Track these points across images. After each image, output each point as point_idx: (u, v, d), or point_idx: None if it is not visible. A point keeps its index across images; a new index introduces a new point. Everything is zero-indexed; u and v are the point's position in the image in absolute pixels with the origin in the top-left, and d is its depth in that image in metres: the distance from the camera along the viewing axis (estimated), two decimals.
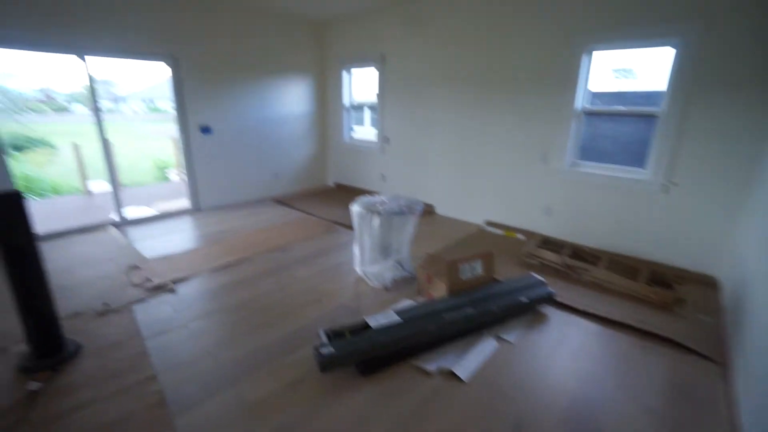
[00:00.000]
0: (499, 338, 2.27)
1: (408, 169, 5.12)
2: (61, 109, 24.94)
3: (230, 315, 2.52)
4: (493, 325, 2.37)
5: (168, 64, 4.33)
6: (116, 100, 27.75)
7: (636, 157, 3.45)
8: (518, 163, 3.99)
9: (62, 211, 5.22)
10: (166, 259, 3.35)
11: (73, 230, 4.07)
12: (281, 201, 5.44)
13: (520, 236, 4.02)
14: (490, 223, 4.35)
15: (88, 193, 6.34)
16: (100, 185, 6.51)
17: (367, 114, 6.94)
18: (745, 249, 2.46)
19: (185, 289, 2.84)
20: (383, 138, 5.30)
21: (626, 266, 3.10)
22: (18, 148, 12.34)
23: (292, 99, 5.63)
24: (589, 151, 3.77)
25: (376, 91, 5.21)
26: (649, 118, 3.21)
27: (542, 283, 2.67)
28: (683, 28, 2.82)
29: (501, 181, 4.17)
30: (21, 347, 2.04)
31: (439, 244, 3.75)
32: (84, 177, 6.38)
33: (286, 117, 5.61)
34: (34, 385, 1.78)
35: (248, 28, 4.88)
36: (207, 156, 4.85)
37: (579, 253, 3.36)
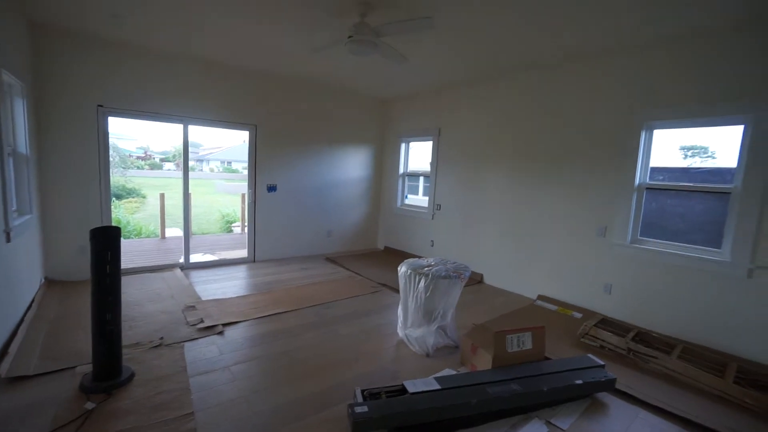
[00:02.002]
0: (549, 423, 2.03)
1: (457, 237, 5.12)
2: (154, 166, 29.06)
3: (271, 363, 2.54)
4: (542, 408, 2.14)
5: (249, 131, 5.01)
6: (199, 159, 31.83)
7: (710, 236, 3.17)
8: (575, 236, 3.84)
9: (141, 251, 5.84)
10: (219, 303, 3.55)
11: (147, 268, 4.51)
12: (331, 259, 5.62)
13: (576, 314, 3.71)
14: (543, 298, 4.09)
15: (164, 238, 7.07)
16: (174, 231, 7.25)
17: (421, 182, 7.24)
18: None
19: (232, 333, 2.95)
20: (435, 205, 5.44)
21: (706, 359, 2.70)
22: (118, 197, 14.33)
23: (352, 165, 6.09)
24: (656, 228, 3.55)
25: (431, 160, 5.49)
26: (722, 195, 3.01)
27: (601, 366, 2.41)
28: (752, 106, 2.75)
29: (555, 254, 4.00)
30: (86, 368, 2.21)
31: (486, 315, 3.58)
32: (163, 223, 7.17)
33: (345, 180, 6.04)
34: (90, 405, 1.89)
35: (319, 102, 5.55)
36: (269, 211, 5.28)
37: (646, 338, 3.01)
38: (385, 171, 6.42)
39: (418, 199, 6.23)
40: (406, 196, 6.26)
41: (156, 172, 27.10)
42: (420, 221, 5.72)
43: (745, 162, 2.82)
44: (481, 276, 4.76)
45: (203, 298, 3.65)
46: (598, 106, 3.62)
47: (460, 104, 5.01)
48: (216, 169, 30.90)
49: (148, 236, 8.14)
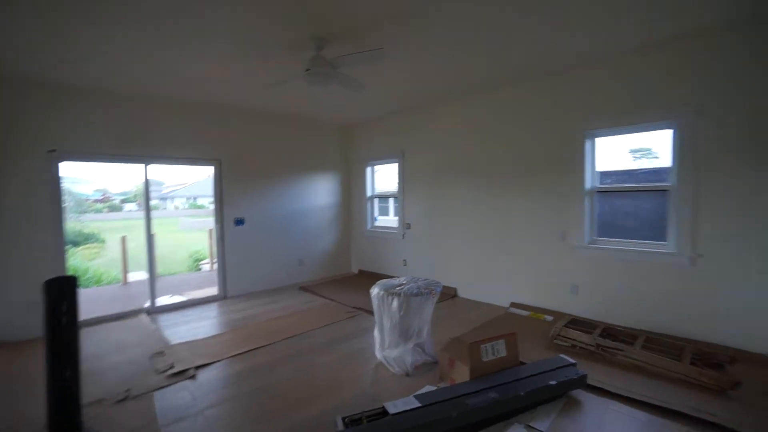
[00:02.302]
0: (529, 427, 2.07)
1: (429, 254, 5.21)
2: (114, 208, 27.73)
3: (246, 402, 2.46)
4: (521, 412, 2.19)
5: (213, 166, 4.96)
6: (162, 198, 30.72)
7: (658, 231, 3.44)
8: (538, 242, 4.02)
9: (101, 300, 5.51)
10: (190, 345, 3.40)
11: (108, 317, 4.26)
12: (305, 288, 5.54)
13: (547, 317, 3.85)
14: (516, 305, 4.22)
15: (127, 282, 6.72)
16: (137, 275, 6.91)
17: (391, 203, 7.36)
18: None
19: (205, 375, 2.84)
20: (404, 225, 5.54)
21: (666, 346, 2.87)
22: (75, 243, 13.51)
23: (319, 192, 6.12)
24: (611, 228, 3.79)
25: (397, 182, 5.63)
26: (664, 192, 3.29)
27: (573, 365, 2.50)
28: (677, 112, 3.06)
29: (523, 262, 4.17)
30: None
31: (462, 328, 3.64)
32: (125, 268, 6.83)
33: (313, 208, 6.04)
34: None
35: (283, 132, 5.60)
36: (238, 245, 5.18)
37: (612, 332, 3.16)
38: (353, 195, 6.49)
39: (390, 220, 6.33)
40: (376, 218, 6.34)
41: (116, 214, 25.83)
42: (391, 241, 5.79)
43: (677, 162, 3.11)
44: (455, 290, 4.85)
45: (173, 342, 3.49)
46: (546, 120, 3.89)
47: (421, 126, 5.22)
48: (181, 206, 29.89)
49: (109, 283, 7.71)
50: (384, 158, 5.86)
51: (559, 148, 3.79)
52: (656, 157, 3.60)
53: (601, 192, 3.69)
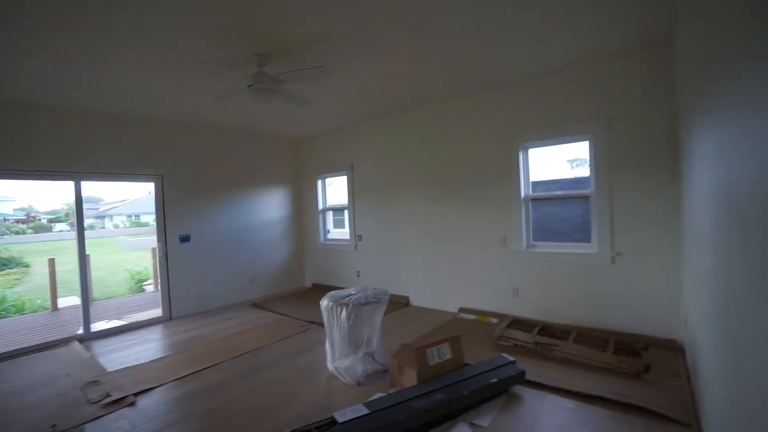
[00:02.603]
0: (473, 425, 2.20)
1: (381, 264, 5.31)
2: (41, 228, 25.03)
3: (195, 424, 2.36)
4: (466, 411, 2.31)
5: (155, 182, 4.73)
6: (100, 216, 28.29)
7: (586, 234, 3.80)
8: (483, 248, 4.26)
9: (25, 329, 4.98)
10: (130, 371, 3.20)
11: (34, 347, 3.87)
12: (257, 304, 5.40)
13: (493, 320, 4.07)
14: (464, 310, 4.41)
15: (57, 309, 6.13)
16: (70, 300, 6.33)
17: (347, 215, 7.40)
18: (691, 308, 2.63)
19: (147, 401, 2.68)
20: (356, 236, 5.61)
21: (595, 338, 3.16)
22: None
23: (271, 206, 6.03)
24: (547, 232, 4.12)
25: (347, 194, 5.70)
26: (587, 199, 3.65)
27: (512, 362, 2.69)
28: (591, 125, 3.45)
29: (469, 268, 4.39)
30: None
31: (414, 335, 3.75)
32: (54, 293, 6.23)
33: (265, 222, 5.94)
34: None
35: (232, 147, 5.49)
36: (183, 264, 4.95)
37: (549, 330, 3.42)
38: (305, 208, 6.46)
39: (343, 232, 6.36)
40: (329, 231, 6.35)
41: (43, 235, 23.32)
42: (344, 253, 5.83)
43: (593, 171, 3.49)
44: (407, 299, 4.98)
45: (110, 370, 3.25)
46: (486, 132, 4.18)
47: (368, 138, 5.36)
48: (122, 225, 27.67)
49: (34, 311, 6.96)
50: (334, 171, 5.92)
51: (499, 158, 4.09)
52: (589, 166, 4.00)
53: (535, 200, 4.01)
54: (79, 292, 4.32)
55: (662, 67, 3.07)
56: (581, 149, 3.81)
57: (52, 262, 6.30)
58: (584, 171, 4.03)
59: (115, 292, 8.93)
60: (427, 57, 3.14)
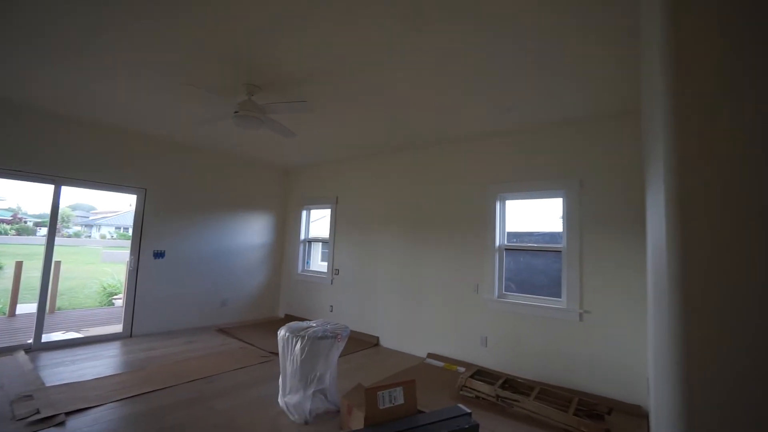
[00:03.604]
0: None
1: (355, 301, 5.23)
2: (25, 231, 24.52)
3: None
4: None
5: (137, 195, 4.74)
6: (88, 224, 27.87)
7: (553, 287, 3.80)
8: (455, 294, 4.24)
9: None
10: (70, 387, 3.03)
11: None
12: (224, 330, 5.23)
13: (460, 369, 3.96)
14: (432, 356, 4.30)
15: (14, 315, 5.88)
16: (31, 307, 6.08)
17: (322, 247, 7.38)
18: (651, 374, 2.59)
19: (78, 422, 2.52)
20: (333, 270, 5.56)
21: (558, 397, 3.07)
22: None
23: (252, 231, 6.01)
24: (526, 283, 4.11)
25: (329, 227, 5.72)
26: (560, 253, 3.70)
27: (468, 414, 2.59)
28: (563, 183, 3.57)
29: (441, 313, 4.33)
30: None
31: (376, 377, 3.62)
32: (15, 298, 6.00)
33: (244, 247, 5.89)
34: None
35: (219, 167, 5.56)
36: (153, 280, 4.84)
37: (513, 384, 3.33)
38: (287, 237, 6.45)
39: (322, 265, 6.31)
40: (308, 262, 6.30)
41: (24, 238, 22.84)
42: (320, 286, 5.75)
43: (565, 226, 3.57)
44: (378, 339, 4.86)
45: (48, 384, 3.08)
46: (463, 180, 4.31)
47: (354, 175, 5.48)
48: (109, 236, 27.21)
49: None
50: (319, 203, 5.98)
51: (475, 206, 4.18)
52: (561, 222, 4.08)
53: (510, 249, 4.05)
54: (37, 298, 4.18)
55: (635, 133, 3.24)
56: (558, 204, 3.93)
57: (19, 266, 6.13)
58: (555, 225, 4.13)
59: (83, 304, 8.63)
60: (399, 109, 3.35)
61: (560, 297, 3.61)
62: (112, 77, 3.01)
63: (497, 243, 4.01)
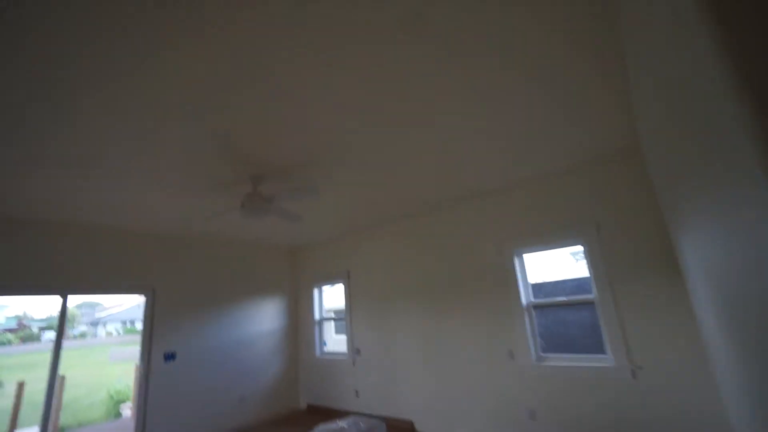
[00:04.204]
0: None
1: (381, 382, 4.84)
2: (30, 338, 23.84)
3: None
4: None
5: (146, 296, 4.61)
6: (95, 323, 27.19)
7: (596, 343, 3.50)
8: (489, 363, 3.90)
9: None
10: None
11: None
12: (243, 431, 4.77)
13: None
14: None
15: None
16: (31, 431, 5.62)
17: (341, 324, 7.06)
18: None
19: None
20: (354, 350, 5.24)
21: None
22: None
23: (264, 317, 5.76)
24: (559, 339, 3.82)
25: (344, 304, 5.49)
26: (592, 304, 3.46)
27: None
28: (583, 231, 3.45)
29: (477, 386, 3.95)
30: None
31: None
32: (13, 423, 5.57)
33: (258, 335, 5.60)
34: None
35: (225, 257, 5.47)
36: (165, 385, 4.51)
37: None
38: (300, 319, 6.18)
39: (338, 339, 5.97)
40: (325, 343, 5.96)
41: (29, 346, 22.14)
42: (341, 369, 5.36)
43: (592, 275, 3.38)
44: (411, 424, 4.39)
45: None
46: (476, 240, 4.20)
47: (364, 247, 5.39)
48: (116, 332, 26.44)
49: None
50: (331, 280, 5.82)
51: (493, 265, 4.02)
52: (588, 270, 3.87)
53: (538, 306, 3.81)
54: (40, 420, 3.84)
55: (644, 171, 3.19)
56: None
57: (21, 386, 5.79)
58: (580, 265, 3.92)
59: (88, 417, 8.04)
60: (405, 178, 3.36)
61: (604, 353, 3.30)
62: (119, 183, 3.05)
63: (523, 302, 3.78)
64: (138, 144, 2.42)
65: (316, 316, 5.95)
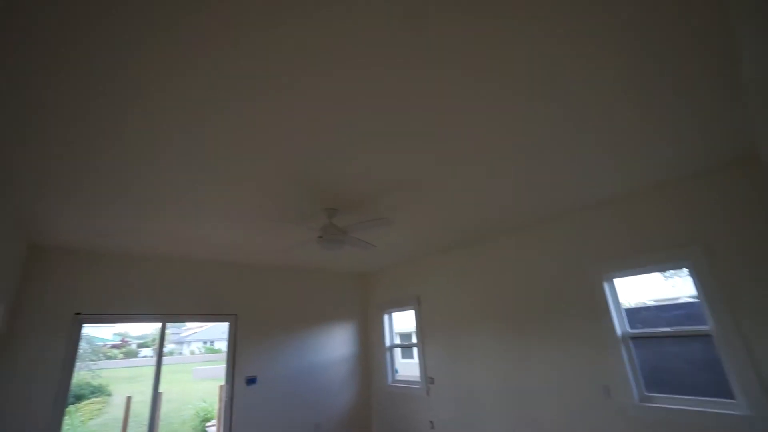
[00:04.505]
0: None
1: (458, 414, 4.58)
2: (130, 353, 26.93)
3: None
4: None
5: (229, 322, 4.95)
6: (179, 342, 29.92)
7: (720, 385, 2.95)
8: (580, 399, 3.52)
9: None
10: None
11: None
12: None
13: None
14: None
15: None
16: None
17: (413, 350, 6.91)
18: None
19: None
20: (427, 378, 5.06)
21: None
22: (79, 397, 12.62)
23: (336, 343, 5.85)
24: (664, 375, 3.32)
25: (415, 331, 5.37)
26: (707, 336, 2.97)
27: None
28: (686, 252, 3.02)
29: (566, 424, 3.58)
30: None
31: None
32: None
33: (330, 362, 5.69)
34: None
35: (298, 285, 5.70)
36: (247, 409, 4.74)
37: None
38: (371, 345, 6.16)
39: (405, 363, 5.82)
40: (397, 371, 5.85)
41: (130, 360, 24.94)
42: (415, 398, 5.20)
43: (705, 303, 2.91)
44: None
45: None
46: (563, 263, 3.85)
47: (434, 272, 5.26)
48: (197, 351, 28.85)
49: None
50: (400, 306, 5.73)
51: (579, 291, 3.67)
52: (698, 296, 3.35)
53: (636, 338, 3.37)
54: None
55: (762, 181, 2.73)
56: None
57: (128, 401, 6.46)
58: (685, 285, 3.40)
59: None
60: (487, 197, 3.22)
61: (731, 397, 2.79)
62: (210, 223, 3.36)
63: (618, 331, 3.38)
64: (220, 188, 2.66)
65: (387, 342, 5.89)
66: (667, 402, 3.06)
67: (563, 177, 2.96)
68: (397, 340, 6.03)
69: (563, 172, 2.86)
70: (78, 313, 3.95)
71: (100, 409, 12.13)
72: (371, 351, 6.12)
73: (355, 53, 1.50)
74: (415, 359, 5.84)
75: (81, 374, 14.37)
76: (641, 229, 3.35)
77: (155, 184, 2.58)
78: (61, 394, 3.69)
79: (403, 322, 6.08)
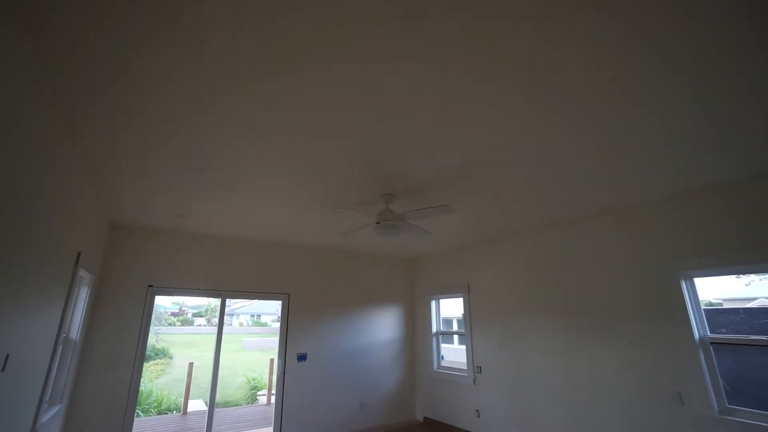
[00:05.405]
0: None
1: (506, 406, 4.50)
2: (186, 321, 29.42)
3: None
4: None
5: (282, 300, 5.17)
6: (229, 314, 32.16)
7: None
8: (646, 405, 3.29)
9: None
10: None
11: None
12: None
13: None
14: None
15: (186, 413, 6.59)
16: (196, 404, 6.78)
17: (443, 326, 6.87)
18: None
19: None
20: (475, 368, 5.00)
21: None
22: (146, 358, 13.98)
23: (383, 326, 5.93)
24: (744, 390, 3.00)
25: (464, 319, 5.31)
26: None
27: None
28: None
29: (630, 427, 3.38)
30: None
31: None
32: (187, 397, 6.79)
33: (377, 344, 5.79)
34: None
35: (348, 267, 5.82)
36: (298, 383, 4.97)
37: None
38: (417, 330, 6.18)
39: (459, 353, 5.75)
40: (443, 357, 5.84)
41: (186, 328, 27.27)
42: (461, 386, 5.17)
43: None
44: None
45: None
46: (630, 257, 3.58)
47: (488, 260, 5.11)
48: (245, 323, 30.88)
49: (168, 409, 7.62)
50: (449, 292, 5.67)
51: (650, 289, 3.39)
52: None
53: (718, 343, 3.07)
54: (206, 395, 4.56)
55: None
56: None
57: (190, 366, 7.04)
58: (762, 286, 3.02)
59: (232, 398, 9.36)
60: (557, 186, 3.01)
61: None
62: (272, 206, 3.47)
63: (696, 335, 3.09)
64: (289, 174, 2.70)
65: (434, 328, 5.88)
66: (752, 417, 2.78)
67: (633, 167, 2.68)
68: (441, 335, 5.99)
69: (641, 162, 2.59)
70: (151, 285, 4.31)
71: (163, 370, 13.44)
72: (417, 336, 6.15)
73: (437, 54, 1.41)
74: (455, 345, 5.77)
75: (149, 337, 15.87)
76: (725, 224, 2.99)
77: (230, 170, 2.70)
78: (139, 352, 4.17)
79: (445, 308, 6.02)
